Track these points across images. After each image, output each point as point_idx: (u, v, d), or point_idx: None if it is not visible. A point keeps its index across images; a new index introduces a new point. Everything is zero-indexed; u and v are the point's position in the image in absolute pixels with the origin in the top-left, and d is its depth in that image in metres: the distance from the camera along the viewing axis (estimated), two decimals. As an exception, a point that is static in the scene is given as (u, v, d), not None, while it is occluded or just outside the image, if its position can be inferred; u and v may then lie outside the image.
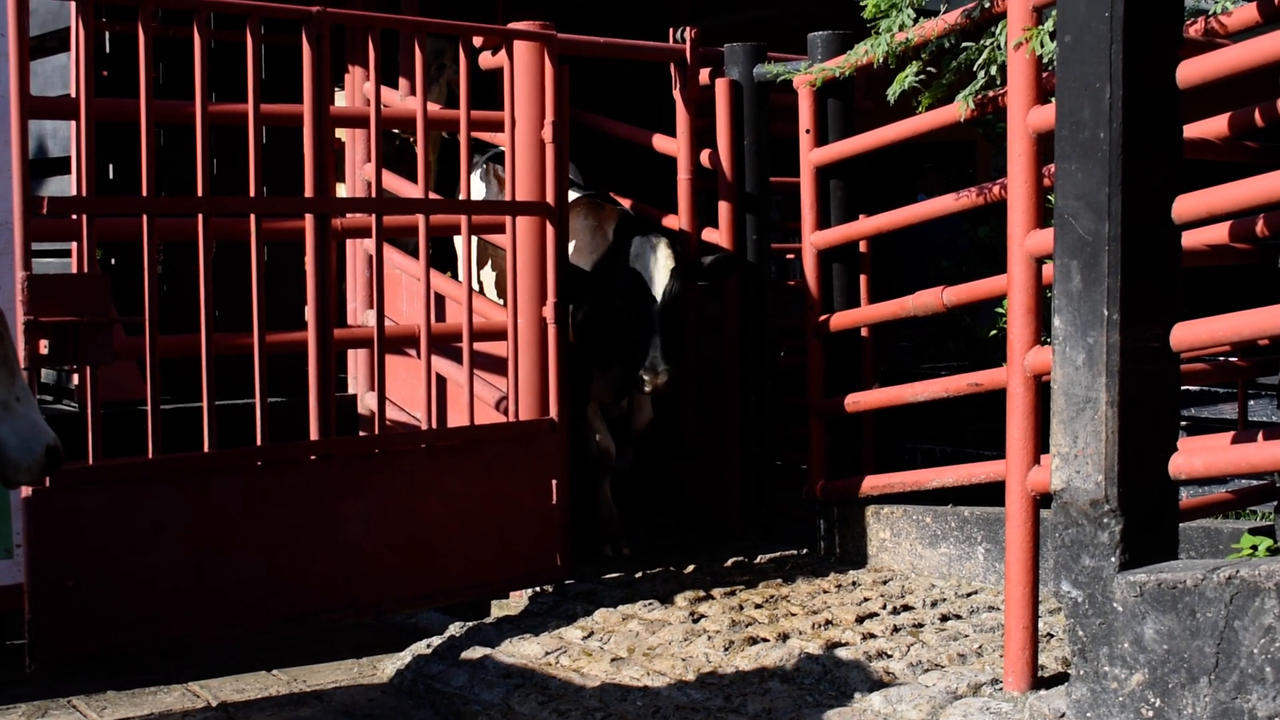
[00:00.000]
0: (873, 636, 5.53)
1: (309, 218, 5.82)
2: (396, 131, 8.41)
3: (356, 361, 7.84)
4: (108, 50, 7.99)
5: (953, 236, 10.23)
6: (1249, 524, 6.10)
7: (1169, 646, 3.98)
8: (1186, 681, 3.93)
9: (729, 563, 6.80)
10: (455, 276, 7.49)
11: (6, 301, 5.18)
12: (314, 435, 5.81)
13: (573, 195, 6.99)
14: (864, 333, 7.10)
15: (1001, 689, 4.80)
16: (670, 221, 7.44)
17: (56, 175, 8.18)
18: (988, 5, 5.47)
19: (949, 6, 5.71)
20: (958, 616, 5.79)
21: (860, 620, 5.77)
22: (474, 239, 6.87)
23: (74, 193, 5.45)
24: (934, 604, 6.00)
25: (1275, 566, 3.80)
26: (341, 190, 7.86)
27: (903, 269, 10.60)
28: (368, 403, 7.51)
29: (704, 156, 7.24)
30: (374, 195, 6.25)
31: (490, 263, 7.60)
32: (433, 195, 6.77)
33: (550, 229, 6.35)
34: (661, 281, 6.52)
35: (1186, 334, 4.24)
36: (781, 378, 7.55)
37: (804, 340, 7.01)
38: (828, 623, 5.74)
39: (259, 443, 5.63)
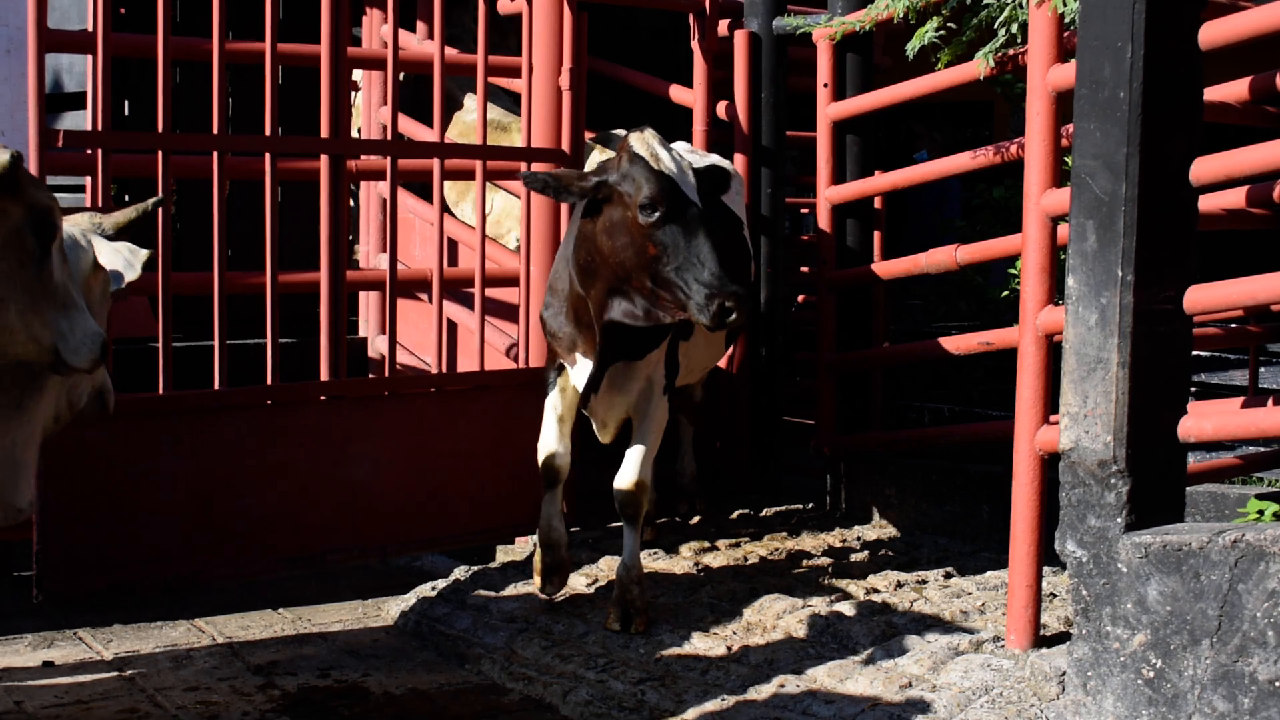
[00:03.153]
0: (876, 591, 5.55)
1: (324, 158, 5.82)
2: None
3: (368, 304, 7.85)
4: (125, -14, 7.97)
5: (943, 196, 10.17)
6: (1256, 489, 6.10)
7: (1172, 608, 3.99)
8: (1188, 643, 3.95)
9: (735, 515, 6.82)
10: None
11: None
12: (324, 376, 5.83)
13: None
14: (876, 290, 7.08)
15: (1003, 646, 4.82)
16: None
17: (72, 110, 8.17)
18: (1010, -38, 5.44)
19: (972, -37, 5.67)
20: (961, 574, 5.81)
21: (864, 575, 5.79)
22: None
23: (90, 127, 5.44)
24: (938, 561, 6.02)
25: (1281, 531, 3.81)
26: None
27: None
28: (378, 345, 7.52)
29: (721, 109, 7.21)
30: (389, 138, 6.23)
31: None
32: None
33: (566, 176, 6.33)
34: None
35: (1200, 297, 4.23)
36: (792, 333, 7.53)
37: (816, 295, 6.99)
38: (832, 576, 5.76)
39: (269, 382, 5.64)
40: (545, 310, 5.44)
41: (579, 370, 5.32)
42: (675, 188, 4.75)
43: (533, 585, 5.61)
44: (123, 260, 4.10)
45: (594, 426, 5.44)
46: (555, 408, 5.52)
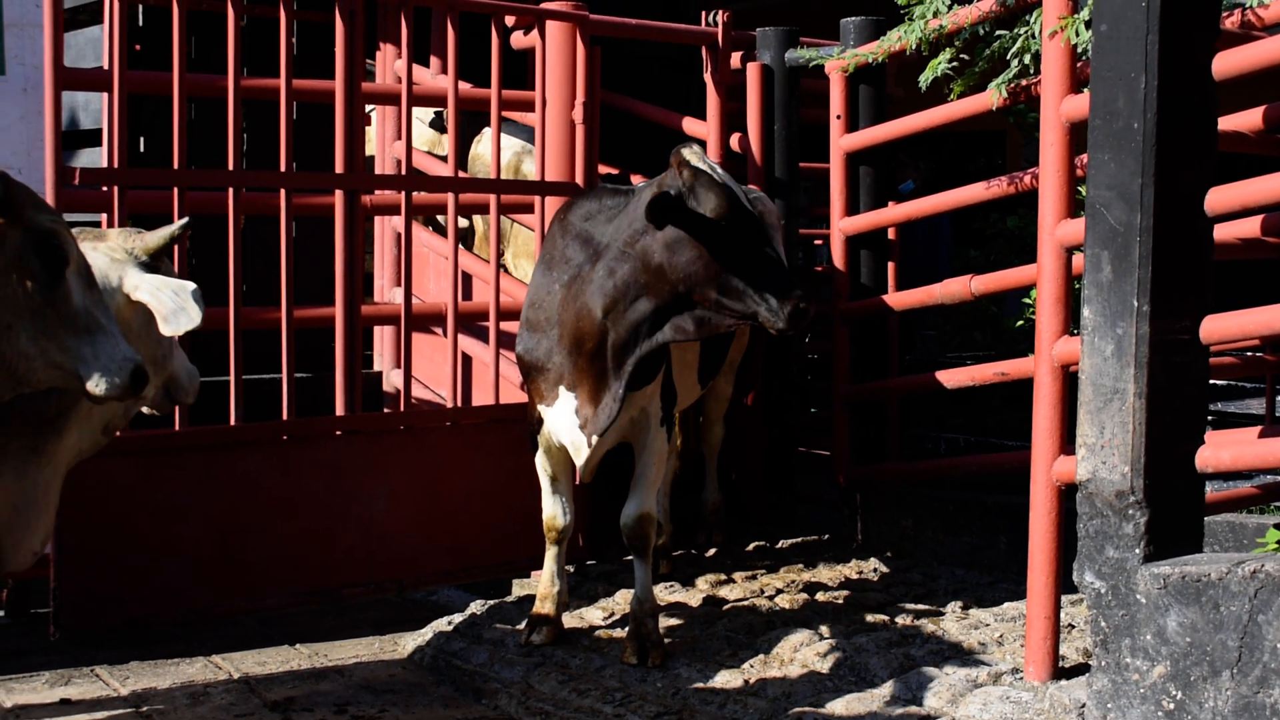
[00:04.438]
0: (894, 623, 5.53)
1: (339, 193, 5.84)
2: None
3: (383, 339, 7.86)
4: (141, 23, 8.01)
5: (935, 225, 10.14)
6: (1274, 519, 6.07)
7: (1191, 639, 3.97)
8: (1208, 675, 3.92)
9: (751, 547, 6.81)
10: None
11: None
12: (340, 411, 5.83)
13: None
14: (890, 320, 7.06)
15: (1022, 678, 4.79)
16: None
17: (88, 147, 8.20)
18: (1023, -7, 5.45)
19: (984, -7, 5.68)
20: (979, 605, 5.78)
21: (881, 607, 5.77)
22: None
23: (106, 164, 5.47)
24: (955, 592, 6.00)
25: (1301, 561, 3.79)
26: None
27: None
28: (393, 380, 7.52)
29: (734, 141, 7.23)
30: (404, 173, 6.25)
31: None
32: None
33: (579, 210, 6.34)
34: None
35: (1216, 327, 4.22)
36: (806, 364, 7.52)
37: (830, 326, 6.99)
38: (849, 609, 5.74)
39: (285, 417, 5.65)
40: (524, 343, 5.31)
41: (559, 408, 5.22)
42: (738, 199, 4.80)
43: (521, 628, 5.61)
44: (170, 301, 3.99)
45: (576, 461, 5.35)
46: (545, 470, 5.50)
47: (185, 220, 4.27)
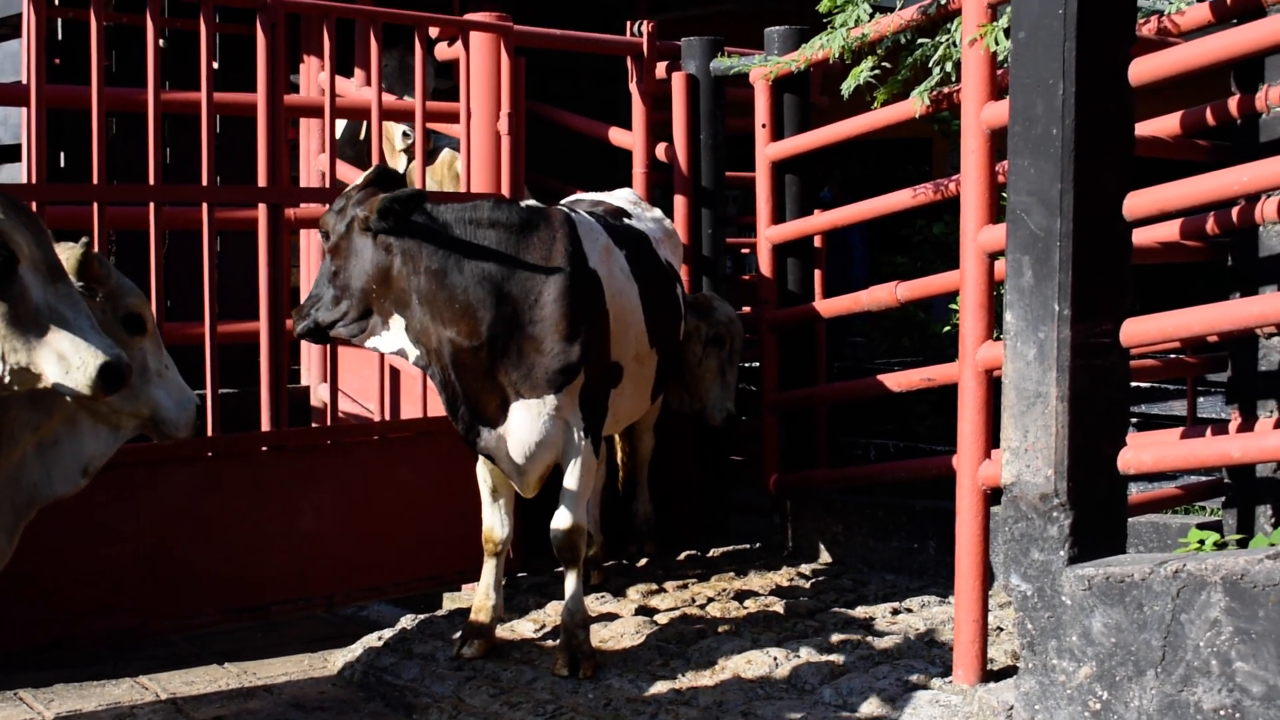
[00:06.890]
0: (824, 629, 5.55)
1: (262, 207, 5.80)
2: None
3: (309, 353, 7.80)
4: (60, 37, 7.93)
5: (848, 236, 10.19)
6: (1197, 519, 6.14)
7: (1116, 639, 4.01)
8: (1134, 674, 3.96)
9: (682, 556, 6.81)
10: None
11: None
12: (266, 426, 5.79)
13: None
14: (818, 328, 7.09)
15: (951, 682, 4.82)
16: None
17: (7, 163, 8.12)
18: (943, 2, 5.49)
19: (905, 3, 5.72)
20: (909, 610, 5.82)
21: (812, 613, 5.79)
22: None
23: (25, 180, 5.41)
24: (885, 596, 6.03)
25: (1221, 560, 3.84)
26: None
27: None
28: (320, 394, 7.47)
29: (660, 150, 7.24)
30: (328, 185, 6.22)
31: None
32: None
33: (505, 221, 6.32)
34: None
35: (1137, 329, 4.27)
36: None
37: (758, 335, 7.01)
38: (780, 616, 5.75)
39: (210, 433, 5.60)
40: None
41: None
42: None
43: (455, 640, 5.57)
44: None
45: (515, 481, 5.32)
46: (486, 481, 5.51)
47: (85, 240, 4.10)
